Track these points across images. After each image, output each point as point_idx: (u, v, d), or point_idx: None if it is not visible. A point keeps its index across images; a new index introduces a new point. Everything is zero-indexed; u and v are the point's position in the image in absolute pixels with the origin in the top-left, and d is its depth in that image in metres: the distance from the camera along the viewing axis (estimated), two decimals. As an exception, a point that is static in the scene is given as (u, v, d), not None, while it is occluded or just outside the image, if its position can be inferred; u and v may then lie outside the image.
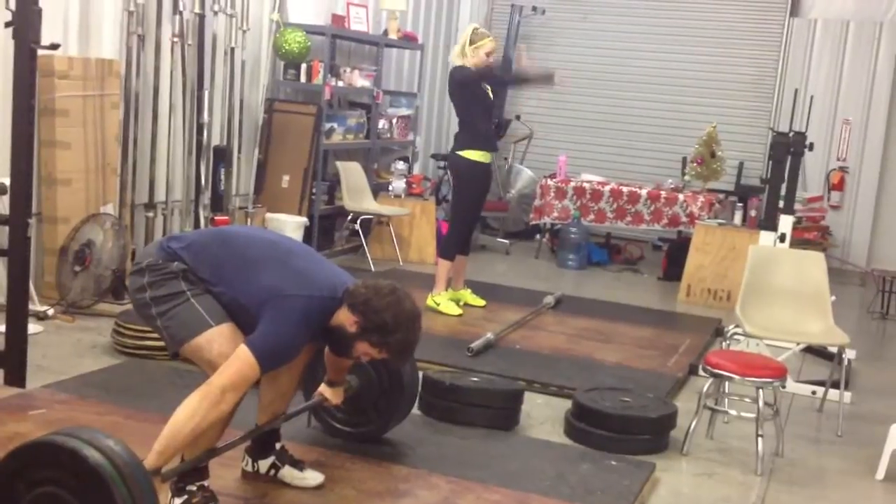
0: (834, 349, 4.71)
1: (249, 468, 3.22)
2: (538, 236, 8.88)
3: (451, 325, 5.71)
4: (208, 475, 2.89)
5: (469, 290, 6.23)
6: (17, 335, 3.91)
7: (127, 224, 5.78)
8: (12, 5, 3.81)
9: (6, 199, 4.34)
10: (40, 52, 3.89)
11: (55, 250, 5.31)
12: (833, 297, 4.75)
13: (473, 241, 7.01)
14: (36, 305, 4.98)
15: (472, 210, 6.09)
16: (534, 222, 8.61)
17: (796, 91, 6.34)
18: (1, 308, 4.35)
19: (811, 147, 5.73)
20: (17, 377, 3.90)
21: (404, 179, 8.05)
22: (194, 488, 2.84)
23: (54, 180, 5.33)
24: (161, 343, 3.50)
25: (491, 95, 5.90)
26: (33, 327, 4.49)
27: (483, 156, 5.85)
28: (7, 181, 4.04)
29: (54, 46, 4.11)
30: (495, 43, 5.90)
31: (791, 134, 5.71)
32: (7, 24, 3.87)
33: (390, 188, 8.04)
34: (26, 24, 3.80)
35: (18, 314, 3.92)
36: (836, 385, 4.62)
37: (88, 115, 5.46)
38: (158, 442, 2.59)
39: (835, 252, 8.55)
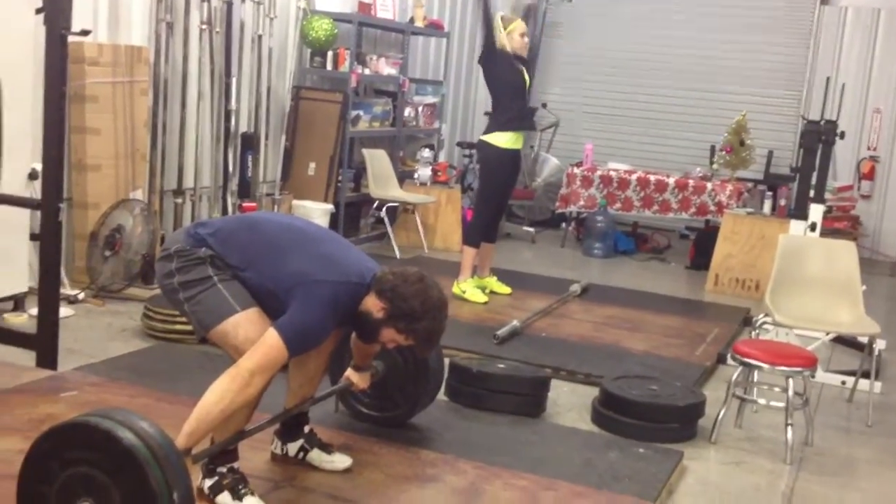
0: (864, 339, 4.67)
1: (278, 451, 3.24)
2: (564, 225, 8.85)
3: (477, 312, 5.71)
4: (238, 457, 2.91)
5: (495, 278, 6.22)
6: (49, 318, 3.94)
7: (156, 210, 5.82)
8: (44, -8, 3.84)
9: (38, 184, 4.39)
10: (71, 38, 3.92)
11: (85, 235, 5.36)
12: (863, 287, 4.70)
13: (499, 229, 7.00)
14: (67, 289, 5.04)
15: (498, 198, 6.06)
16: (560, 210, 8.59)
17: (828, 79, 6.26)
18: (33, 292, 4.40)
19: (842, 136, 5.67)
20: (48, 360, 3.94)
21: (430, 167, 8.05)
22: (224, 470, 2.86)
23: (84, 166, 5.39)
24: (190, 327, 3.52)
25: (525, 76, 5.85)
26: (64, 311, 4.54)
27: (514, 139, 5.81)
28: (39, 167, 4.08)
29: (85, 33, 4.14)
30: (524, 23, 5.88)
31: (822, 122, 5.65)
32: (38, 11, 3.89)
33: (416, 176, 8.04)
34: (57, 10, 3.82)
35: (50, 298, 3.95)
36: (866, 375, 4.58)
37: (118, 101, 5.50)
38: (188, 424, 2.60)
39: (865, 242, 8.45)
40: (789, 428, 3.81)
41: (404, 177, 8.16)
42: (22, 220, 4.75)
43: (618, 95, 9.71)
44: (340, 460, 3.23)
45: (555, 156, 9.42)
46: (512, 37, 5.72)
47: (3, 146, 4.59)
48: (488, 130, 5.89)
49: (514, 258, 7.66)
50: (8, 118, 4.58)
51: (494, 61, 5.76)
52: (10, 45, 4.58)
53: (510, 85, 5.77)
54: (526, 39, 5.85)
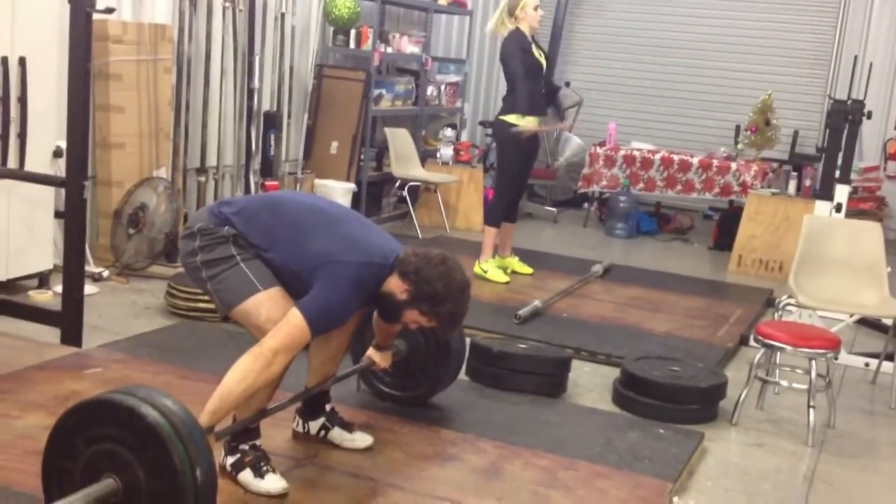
0: (889, 321, 4.63)
1: (300, 429, 3.27)
2: (586, 205, 8.81)
3: (499, 292, 5.71)
4: (260, 435, 2.93)
5: (516, 258, 6.21)
6: (74, 296, 3.98)
7: (179, 188, 5.85)
8: (68, -30, 3.84)
9: (62, 161, 4.42)
10: (95, 16, 3.93)
11: (109, 213, 5.40)
12: (889, 269, 4.66)
13: (520, 208, 6.97)
14: (91, 267, 5.08)
15: (517, 177, 6.02)
16: (582, 190, 8.55)
17: (855, 58, 6.18)
18: (58, 269, 4.44)
19: (869, 115, 5.60)
20: (73, 337, 3.98)
21: (452, 146, 8.03)
22: (246, 447, 2.88)
23: (109, 144, 5.41)
24: (213, 305, 3.54)
25: (542, 60, 5.80)
26: (89, 288, 4.58)
27: (528, 121, 5.78)
28: (64, 144, 4.11)
29: (109, 10, 4.15)
30: None
31: (849, 102, 5.58)
32: (63, -11, 3.91)
33: (438, 155, 8.02)
34: (82, -12, 3.83)
35: (74, 275, 3.99)
36: (890, 357, 4.54)
37: (142, 79, 5.51)
38: (211, 402, 2.62)
39: (890, 223, 8.36)
40: (811, 410, 3.79)
41: (426, 156, 8.15)
42: (47, 198, 4.80)
43: (642, 74, 9.62)
44: (361, 439, 3.25)
45: (577, 135, 9.35)
46: (526, 11, 5.64)
47: (28, 124, 4.62)
48: (503, 111, 5.83)
49: (535, 238, 7.64)
50: (33, 96, 4.61)
51: (516, 55, 5.66)
52: (36, 23, 4.61)
53: (527, 72, 5.68)
54: (540, 12, 5.74)
